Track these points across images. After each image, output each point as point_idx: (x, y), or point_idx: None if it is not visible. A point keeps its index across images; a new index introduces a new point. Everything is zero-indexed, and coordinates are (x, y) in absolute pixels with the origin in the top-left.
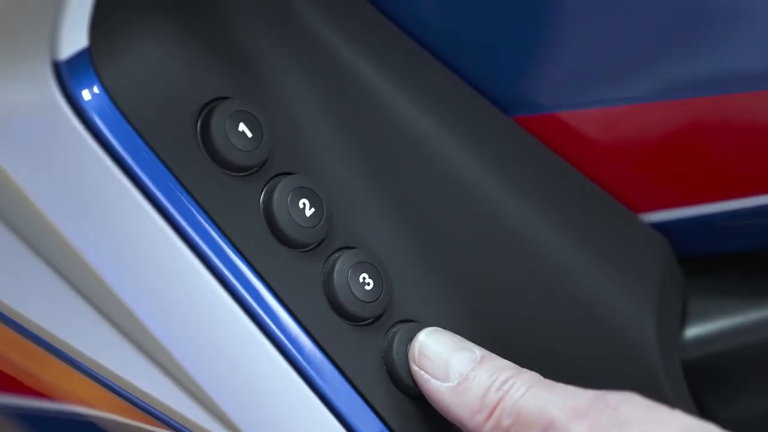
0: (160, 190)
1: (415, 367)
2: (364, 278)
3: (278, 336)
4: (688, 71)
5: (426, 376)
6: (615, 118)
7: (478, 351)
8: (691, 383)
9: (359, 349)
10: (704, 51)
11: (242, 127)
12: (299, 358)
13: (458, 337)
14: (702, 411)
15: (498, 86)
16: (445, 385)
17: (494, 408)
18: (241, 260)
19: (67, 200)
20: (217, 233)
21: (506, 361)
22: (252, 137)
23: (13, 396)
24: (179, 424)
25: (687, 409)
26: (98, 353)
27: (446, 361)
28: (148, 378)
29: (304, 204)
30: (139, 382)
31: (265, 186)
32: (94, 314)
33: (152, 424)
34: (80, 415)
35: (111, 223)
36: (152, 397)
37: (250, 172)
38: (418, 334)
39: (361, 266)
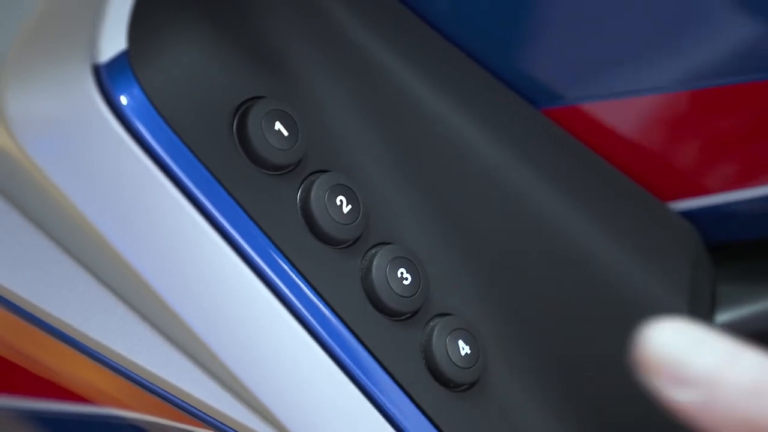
0: (201, 192)
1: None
2: (402, 273)
3: (321, 333)
4: (711, 59)
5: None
6: (640, 108)
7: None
8: None
9: (399, 344)
10: (727, 38)
11: (278, 125)
12: (342, 354)
13: (700, 331)
14: None
15: (526, 79)
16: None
17: None
18: (282, 259)
19: (110, 204)
20: (257, 232)
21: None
22: (288, 136)
23: (50, 401)
24: (222, 423)
25: None
26: (139, 355)
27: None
28: (189, 377)
29: (341, 201)
30: (179, 381)
31: (301, 184)
32: (135, 317)
33: (194, 424)
34: (120, 418)
35: (153, 225)
36: (194, 396)
37: (286, 170)
38: (648, 332)
39: (399, 261)
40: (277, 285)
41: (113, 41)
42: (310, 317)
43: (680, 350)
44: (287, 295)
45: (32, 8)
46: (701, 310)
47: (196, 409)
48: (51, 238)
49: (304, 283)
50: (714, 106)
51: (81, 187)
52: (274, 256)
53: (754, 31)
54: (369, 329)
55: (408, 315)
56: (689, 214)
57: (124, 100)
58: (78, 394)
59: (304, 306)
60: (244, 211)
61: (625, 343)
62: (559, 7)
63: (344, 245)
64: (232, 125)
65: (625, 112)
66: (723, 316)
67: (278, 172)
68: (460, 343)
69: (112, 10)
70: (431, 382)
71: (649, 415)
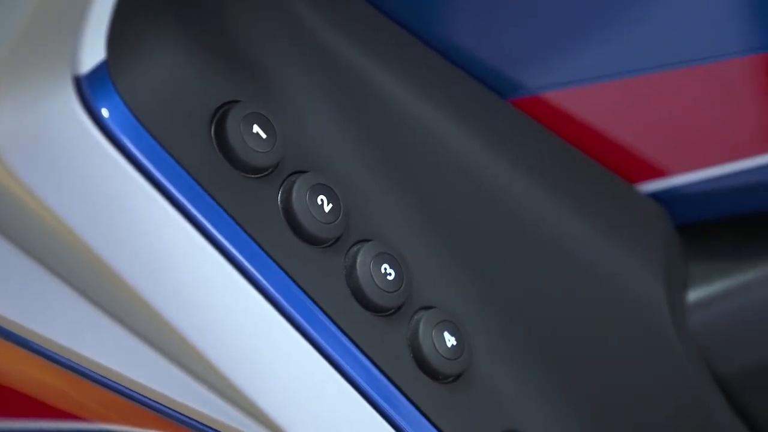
0: (186, 198)
1: None
2: (385, 269)
3: (309, 331)
4: (670, 43)
5: None
6: (605, 94)
7: None
8: (699, 344)
9: (386, 338)
10: (685, 21)
11: (256, 128)
12: (331, 351)
13: None
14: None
15: (492, 71)
16: None
17: None
18: (267, 260)
19: (96, 215)
20: (243, 235)
21: None
22: (266, 138)
23: (45, 420)
24: (212, 428)
25: (699, 372)
26: (127, 367)
27: None
28: (178, 384)
29: (322, 200)
30: (169, 390)
31: (281, 186)
32: (122, 329)
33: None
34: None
35: (140, 233)
36: (181, 402)
37: (266, 173)
38: None
39: (382, 257)
40: (264, 286)
41: (93, 51)
42: (298, 316)
43: None
44: (275, 295)
45: (13, 22)
46: (675, 289)
47: (184, 415)
48: (32, 255)
49: (290, 283)
50: (676, 88)
51: (65, 199)
52: (260, 257)
53: (711, 12)
54: (356, 325)
55: (393, 310)
56: (658, 196)
57: (105, 112)
58: (65, 411)
59: (292, 305)
60: (228, 215)
61: (606, 324)
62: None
63: (327, 244)
64: (211, 130)
65: (589, 99)
66: (695, 294)
67: (258, 175)
68: (446, 334)
69: (90, 20)
70: (419, 375)
71: (636, 396)
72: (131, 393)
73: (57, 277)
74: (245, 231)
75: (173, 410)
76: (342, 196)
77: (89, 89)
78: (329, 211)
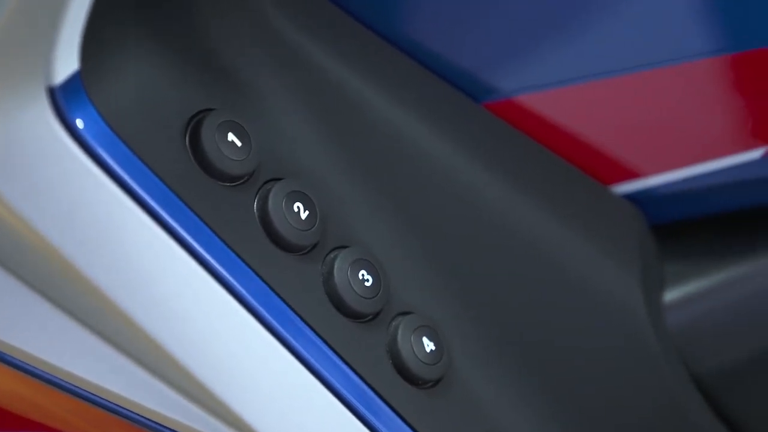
0: (163, 208)
1: None
2: (362, 275)
3: (288, 338)
4: (642, 44)
5: None
6: (577, 97)
7: None
8: (676, 344)
9: (365, 345)
10: (657, 22)
11: (231, 137)
12: (310, 358)
13: None
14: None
15: (465, 75)
16: None
17: None
18: (245, 268)
19: (70, 224)
20: (220, 244)
21: None
22: (241, 146)
23: None
24: None
25: (676, 372)
26: (101, 376)
27: None
28: (157, 395)
29: (298, 207)
30: (148, 401)
31: (257, 193)
32: (95, 336)
33: None
34: None
35: (115, 242)
36: (160, 413)
37: (242, 181)
38: None
39: (359, 263)
40: (243, 295)
41: (66, 62)
42: (276, 324)
43: None
44: (253, 304)
45: None
46: (652, 290)
47: (161, 425)
48: (5, 265)
49: (268, 291)
50: (649, 89)
51: (40, 210)
52: (237, 266)
53: (682, 14)
54: (334, 332)
55: (371, 316)
56: (632, 197)
57: (80, 122)
58: (36, 421)
59: (270, 314)
60: (205, 223)
61: (584, 326)
62: (492, 1)
63: (304, 251)
64: (185, 138)
65: (563, 101)
66: (672, 294)
67: (234, 183)
68: (425, 340)
69: (63, 31)
70: (399, 381)
71: (615, 397)
72: (106, 403)
73: (30, 287)
74: (222, 240)
75: (151, 420)
76: (318, 202)
77: (63, 100)
78: (306, 219)
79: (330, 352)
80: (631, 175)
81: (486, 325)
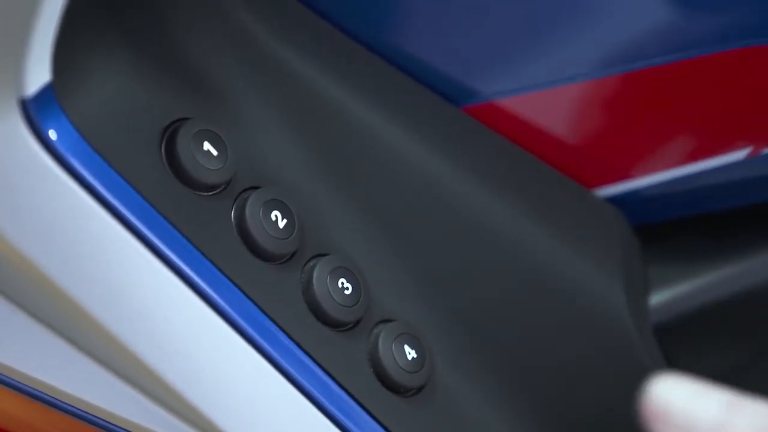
0: (138, 219)
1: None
2: (342, 283)
3: (268, 349)
4: (621, 45)
5: None
6: (558, 99)
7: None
8: (662, 347)
9: (346, 354)
10: (635, 23)
11: (207, 146)
12: (291, 369)
13: (698, 384)
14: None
15: (444, 79)
16: None
17: None
18: (223, 279)
19: (44, 236)
20: (197, 255)
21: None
22: (217, 155)
23: None
24: None
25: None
26: (80, 388)
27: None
28: (132, 404)
29: (276, 216)
30: (120, 409)
31: (234, 202)
32: (72, 348)
33: None
34: None
35: (91, 254)
36: (138, 424)
37: (219, 190)
38: (651, 387)
39: (338, 271)
40: (221, 305)
41: (38, 73)
42: (256, 335)
43: (685, 402)
44: (231, 314)
45: None
46: (636, 289)
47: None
48: None
49: (247, 301)
50: (629, 91)
51: (14, 222)
52: (215, 276)
53: (660, 15)
54: (315, 342)
55: (352, 324)
56: (615, 199)
57: (53, 134)
58: None
59: (249, 324)
60: (181, 234)
61: (567, 331)
62: (470, 4)
63: (283, 260)
64: (161, 149)
65: (543, 104)
66: (657, 297)
67: (211, 192)
68: (406, 347)
69: (34, 42)
70: (381, 389)
71: (600, 401)
72: (85, 414)
73: (7, 300)
74: (199, 250)
75: (124, 429)
76: (296, 210)
77: (36, 111)
78: (284, 227)
79: (310, 362)
80: (614, 177)
81: (468, 332)
